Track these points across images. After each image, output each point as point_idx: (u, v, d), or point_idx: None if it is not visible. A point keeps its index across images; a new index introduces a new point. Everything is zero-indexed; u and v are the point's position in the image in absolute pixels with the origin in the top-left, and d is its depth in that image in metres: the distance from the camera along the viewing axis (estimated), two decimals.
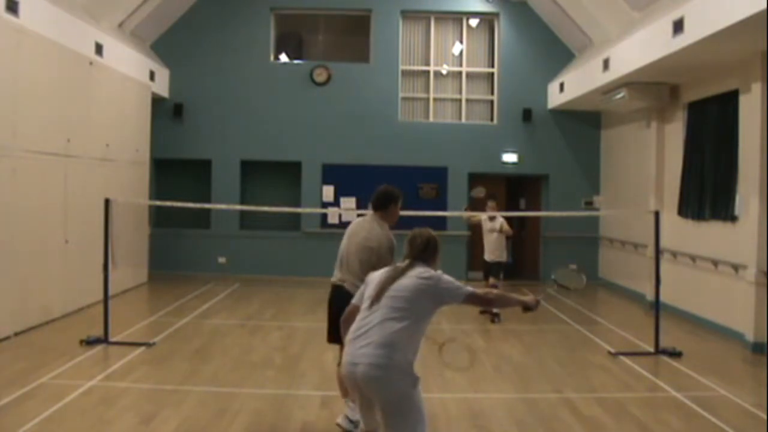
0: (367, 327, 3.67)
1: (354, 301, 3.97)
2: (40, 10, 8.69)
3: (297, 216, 13.73)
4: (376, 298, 3.73)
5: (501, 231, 10.02)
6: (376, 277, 3.91)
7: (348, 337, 3.77)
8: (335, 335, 4.88)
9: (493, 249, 10.12)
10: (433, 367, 7.22)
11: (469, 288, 3.81)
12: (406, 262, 3.91)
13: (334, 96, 14.09)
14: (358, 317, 3.78)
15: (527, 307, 4.03)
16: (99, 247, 8.07)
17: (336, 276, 5.48)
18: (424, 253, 3.92)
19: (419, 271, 3.81)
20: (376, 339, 3.59)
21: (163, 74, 13.66)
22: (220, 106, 14.04)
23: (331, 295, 5.47)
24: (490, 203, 10.37)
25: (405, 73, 14.48)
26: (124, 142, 11.59)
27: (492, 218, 10.13)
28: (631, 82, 10.55)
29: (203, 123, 14.03)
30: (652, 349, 7.95)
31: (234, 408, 5.75)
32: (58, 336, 8.17)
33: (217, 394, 6.16)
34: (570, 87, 12.91)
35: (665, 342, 7.99)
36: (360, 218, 5.57)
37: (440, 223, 13.36)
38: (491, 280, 9.98)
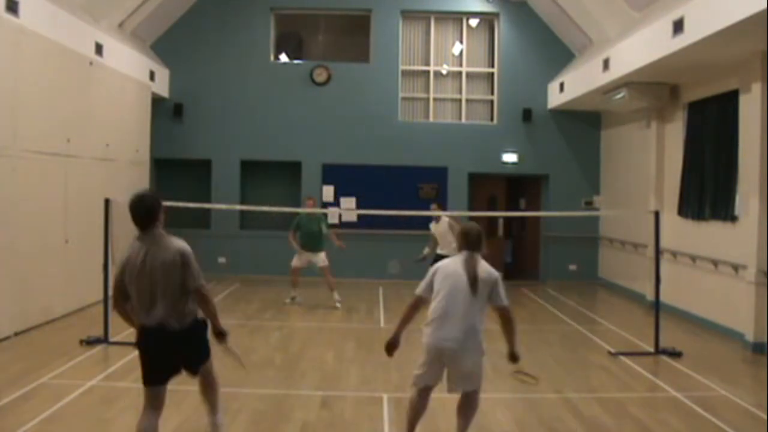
0: (457, 312, 4.49)
1: (419, 292, 4.68)
2: (40, 10, 8.69)
3: (297, 216, 13.69)
4: (473, 287, 4.50)
5: (452, 230, 10.17)
6: (448, 268, 4.61)
7: (435, 320, 4.53)
8: None
9: (447, 244, 10.29)
10: None
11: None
12: (467, 253, 4.63)
13: (334, 96, 14.08)
14: (442, 303, 4.50)
15: (513, 355, 4.87)
16: (99, 247, 8.07)
17: None
18: (479, 244, 4.66)
19: (484, 266, 4.61)
20: (470, 326, 4.48)
21: (163, 74, 13.66)
22: (220, 106, 14.04)
23: None
24: (433, 206, 10.90)
25: (405, 73, 14.49)
26: (124, 142, 11.59)
27: (437, 220, 10.44)
28: (631, 82, 10.55)
29: (203, 123, 14.03)
30: (652, 349, 7.96)
31: (234, 408, 5.74)
32: (58, 336, 8.17)
33: None
34: (570, 87, 12.90)
35: (665, 342, 7.99)
36: None
37: None
38: None
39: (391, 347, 4.73)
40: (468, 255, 4.63)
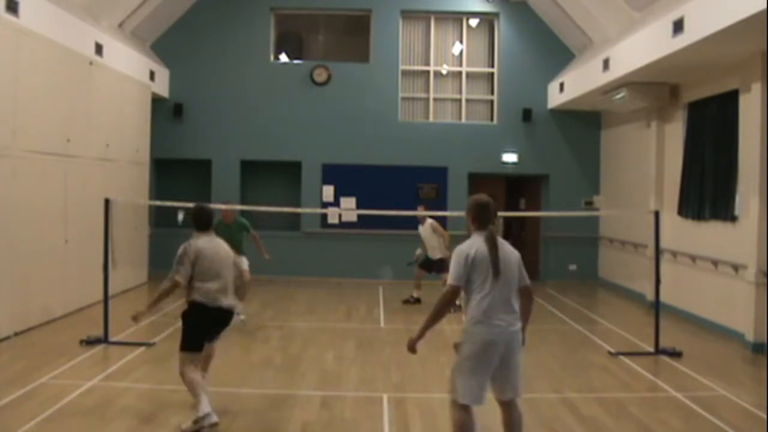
0: (500, 304, 4.10)
1: (454, 282, 4.13)
2: (40, 10, 8.69)
3: (297, 216, 13.73)
4: (498, 274, 4.09)
5: (435, 232, 10.83)
6: (477, 252, 4.12)
7: (481, 317, 4.08)
8: None
9: (432, 247, 10.89)
10: (432, 367, 7.23)
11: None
12: (489, 229, 4.19)
13: (334, 96, 14.08)
14: (483, 295, 4.08)
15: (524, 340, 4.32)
16: (99, 247, 8.07)
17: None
18: (495, 218, 4.26)
19: (506, 244, 4.24)
20: (512, 315, 4.12)
21: (163, 74, 13.66)
22: (220, 106, 14.04)
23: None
24: (420, 207, 11.21)
25: (405, 73, 14.48)
26: (124, 142, 11.59)
27: (423, 222, 10.88)
28: (631, 82, 10.55)
29: (203, 123, 14.03)
30: (652, 349, 7.95)
31: (234, 408, 5.75)
32: (58, 336, 8.17)
33: (217, 394, 6.14)
34: (570, 87, 12.90)
35: (665, 342, 7.99)
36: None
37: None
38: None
39: (414, 346, 4.31)
40: (489, 233, 4.19)
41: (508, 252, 4.23)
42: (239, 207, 13.37)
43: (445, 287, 4.20)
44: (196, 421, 5.08)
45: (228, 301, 5.49)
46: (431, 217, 10.86)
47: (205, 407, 5.07)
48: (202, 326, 5.40)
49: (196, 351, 5.40)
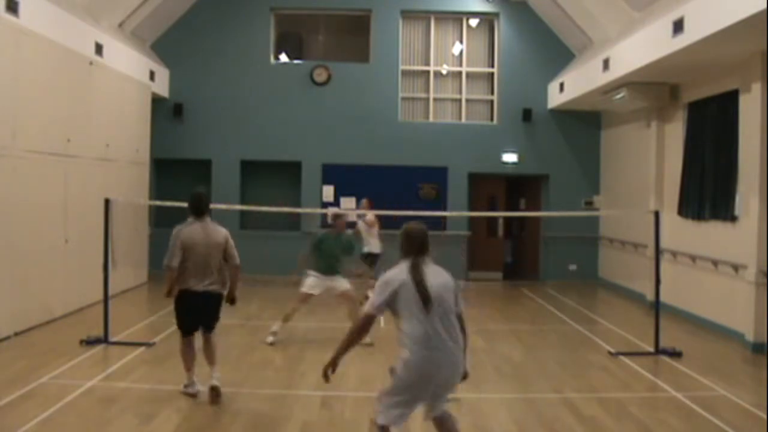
0: (436, 333, 3.89)
1: (370, 310, 3.99)
2: (40, 10, 8.69)
3: (297, 216, 13.72)
4: (428, 302, 3.90)
5: (371, 228, 11.24)
6: (399, 281, 3.96)
7: (415, 346, 3.89)
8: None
9: (369, 243, 11.25)
10: None
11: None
12: (413, 258, 4.04)
13: (334, 96, 14.08)
14: (415, 324, 3.89)
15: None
16: (99, 247, 8.07)
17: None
18: (425, 247, 4.09)
19: (441, 272, 4.08)
20: (452, 343, 3.93)
21: (163, 74, 13.66)
22: (220, 106, 14.04)
23: None
24: (364, 201, 11.50)
25: (405, 73, 14.48)
26: (124, 142, 11.59)
27: (364, 217, 11.26)
28: (631, 82, 10.55)
29: (203, 123, 14.03)
30: (652, 349, 7.96)
31: (234, 408, 5.75)
32: (58, 336, 8.17)
33: None
34: (570, 87, 12.90)
35: (665, 342, 7.99)
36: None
37: (440, 223, 13.37)
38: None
39: (327, 372, 4.03)
40: (414, 262, 4.02)
41: (441, 279, 4.02)
42: (239, 207, 13.42)
43: (361, 314, 4.12)
44: (184, 386, 6.04)
45: (214, 286, 5.87)
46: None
47: (190, 378, 6.02)
48: (191, 311, 5.88)
49: (188, 334, 6.01)
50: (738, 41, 7.68)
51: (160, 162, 13.99)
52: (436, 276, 4.03)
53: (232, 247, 6.04)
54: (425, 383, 3.92)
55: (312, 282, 8.27)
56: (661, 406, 6.09)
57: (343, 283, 8.35)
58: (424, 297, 3.89)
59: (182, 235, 5.81)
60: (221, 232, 6.00)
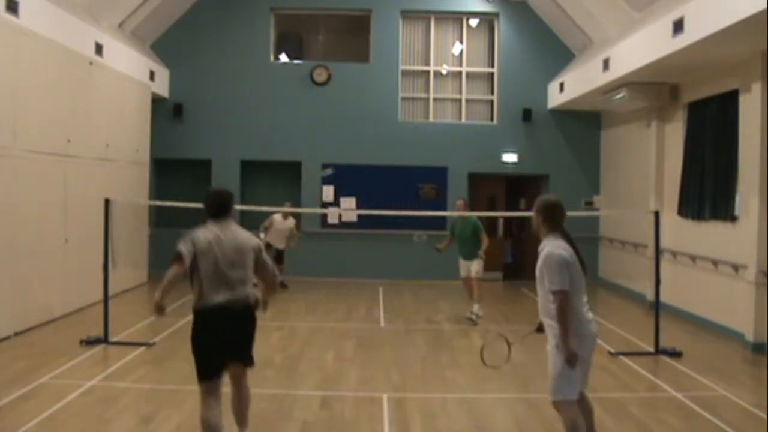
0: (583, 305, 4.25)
1: (564, 287, 4.07)
2: (40, 10, 8.69)
3: (297, 216, 13.71)
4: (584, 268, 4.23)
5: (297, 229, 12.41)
6: (573, 260, 4.14)
7: (580, 320, 4.17)
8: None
9: (282, 239, 12.15)
10: (433, 367, 7.23)
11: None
12: (562, 230, 4.21)
13: (334, 96, 14.08)
14: (577, 299, 4.15)
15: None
16: (99, 247, 8.07)
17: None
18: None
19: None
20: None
21: (163, 74, 13.66)
22: (220, 106, 14.04)
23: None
24: (287, 204, 12.03)
25: (405, 73, 14.48)
26: (124, 142, 11.59)
27: (286, 217, 12.07)
28: (631, 82, 10.54)
29: (203, 123, 14.03)
30: (652, 349, 7.95)
31: None
32: (58, 336, 8.17)
33: None
34: (570, 87, 12.90)
35: (665, 342, 7.99)
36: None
37: (440, 223, 13.35)
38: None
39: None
40: (564, 233, 4.22)
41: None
42: (239, 207, 13.40)
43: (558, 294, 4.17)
44: None
45: (242, 298, 4.42)
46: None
47: None
48: (214, 335, 4.33)
49: (209, 378, 4.32)
50: (738, 41, 7.67)
51: (160, 162, 13.99)
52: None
53: (266, 255, 4.66)
54: (590, 354, 4.27)
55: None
56: (661, 406, 6.09)
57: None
58: (585, 271, 4.18)
59: (196, 237, 4.46)
60: (251, 240, 4.56)
